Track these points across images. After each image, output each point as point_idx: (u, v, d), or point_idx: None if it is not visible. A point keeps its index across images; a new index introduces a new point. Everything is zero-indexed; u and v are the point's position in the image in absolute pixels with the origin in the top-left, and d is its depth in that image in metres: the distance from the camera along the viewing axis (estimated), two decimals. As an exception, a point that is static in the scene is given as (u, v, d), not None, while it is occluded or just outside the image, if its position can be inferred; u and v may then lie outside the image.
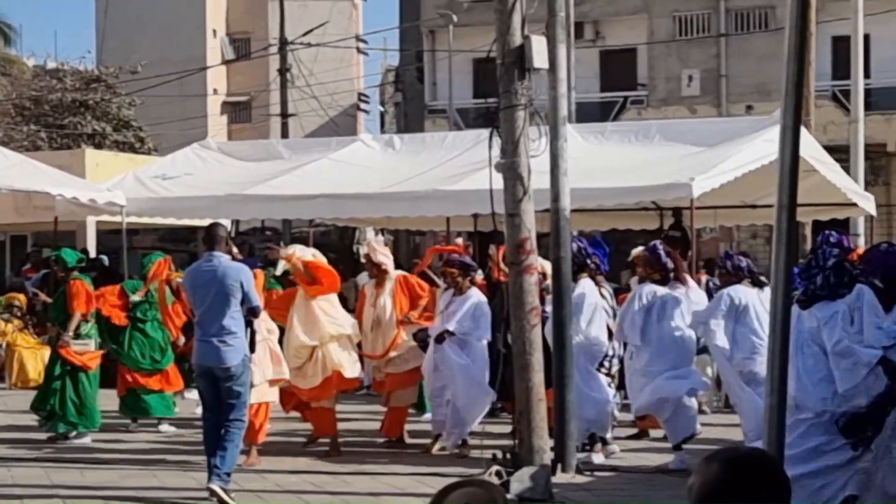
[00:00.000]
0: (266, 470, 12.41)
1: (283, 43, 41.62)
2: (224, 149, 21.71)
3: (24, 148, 35.48)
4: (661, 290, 12.43)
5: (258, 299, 11.63)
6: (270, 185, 18.88)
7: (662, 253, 12.70)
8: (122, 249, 20.28)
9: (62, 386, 14.46)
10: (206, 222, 27.21)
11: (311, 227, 26.60)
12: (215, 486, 10.75)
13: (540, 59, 11.11)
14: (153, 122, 45.05)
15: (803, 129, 19.61)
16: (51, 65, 51.22)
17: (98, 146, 38.79)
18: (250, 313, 11.32)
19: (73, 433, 14.55)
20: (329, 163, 19.60)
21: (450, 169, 18.39)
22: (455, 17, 37.13)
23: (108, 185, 19.74)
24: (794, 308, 8.33)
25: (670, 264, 12.67)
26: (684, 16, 37.14)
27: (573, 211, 12.71)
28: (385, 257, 14.06)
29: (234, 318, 11.10)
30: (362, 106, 59.37)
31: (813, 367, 8.61)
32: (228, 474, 10.93)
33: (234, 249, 12.98)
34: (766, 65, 35.51)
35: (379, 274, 13.96)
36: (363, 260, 14.39)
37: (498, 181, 11.47)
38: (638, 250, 13.58)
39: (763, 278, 12.57)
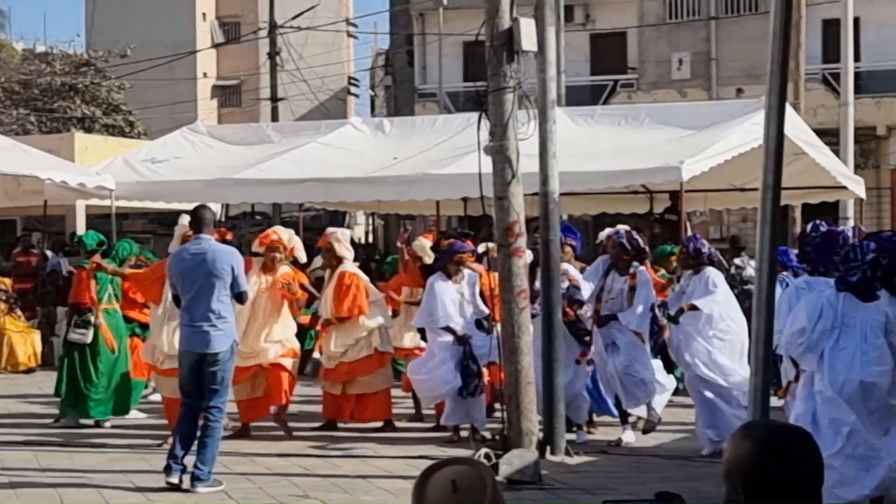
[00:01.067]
0: (255, 453, 12.42)
1: (273, 26, 41.55)
2: (214, 132, 21.70)
3: (14, 132, 35.40)
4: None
5: (246, 285, 11.46)
6: (260, 169, 18.87)
7: (625, 241, 12.83)
8: (111, 233, 20.24)
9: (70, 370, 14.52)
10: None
11: (302, 212, 26.58)
12: (202, 489, 10.51)
13: (528, 41, 11.10)
14: (143, 106, 44.94)
15: (793, 112, 19.66)
16: (40, 48, 51.08)
17: (87, 130, 38.69)
18: (237, 298, 11.12)
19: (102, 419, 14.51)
20: (319, 146, 19.59)
21: (439, 152, 18.39)
22: (445, 1, 37.08)
23: (98, 169, 19.72)
24: (839, 295, 8.54)
25: (642, 244, 12.80)
26: (674, -1, 37.12)
27: (562, 194, 12.71)
28: (348, 251, 13.94)
29: (223, 303, 10.89)
30: (352, 90, 59.27)
31: (878, 360, 8.70)
32: (211, 472, 10.70)
33: (229, 236, 12.92)
34: (757, 48, 35.46)
35: (335, 265, 13.89)
36: (321, 246, 14.18)
37: (487, 165, 11.46)
38: (606, 232, 13.75)
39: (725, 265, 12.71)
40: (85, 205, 23.80)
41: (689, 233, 15.62)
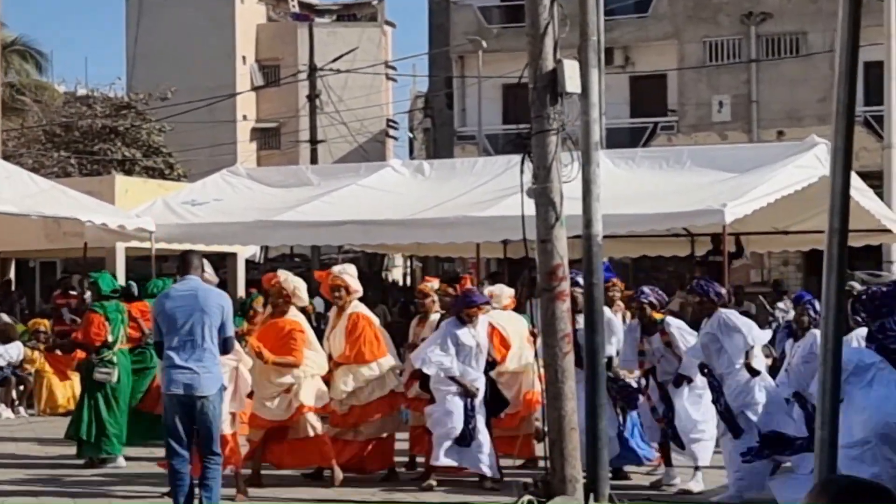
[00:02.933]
0: (290, 498, 12.28)
1: (313, 69, 41.71)
2: (253, 175, 21.71)
3: (55, 174, 35.62)
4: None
5: (233, 330, 10.93)
6: (299, 212, 18.83)
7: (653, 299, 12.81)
8: (151, 276, 20.23)
9: (90, 411, 14.59)
10: (235, 249, 27.23)
11: (340, 254, 26.54)
12: None
13: (572, 83, 10.99)
14: (183, 149, 45.19)
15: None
16: (81, 91, 51.52)
17: (128, 172, 38.89)
18: (222, 346, 10.63)
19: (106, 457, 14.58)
20: (358, 189, 19.54)
21: (479, 195, 18.31)
22: (484, 43, 37.12)
23: (138, 212, 19.73)
24: None
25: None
26: (714, 41, 37.04)
27: (603, 237, 12.59)
28: (358, 285, 13.54)
29: (212, 344, 10.49)
30: (391, 132, 59.45)
31: None
32: None
33: (209, 271, 12.35)
34: (797, 90, 35.40)
35: (346, 301, 13.40)
36: (330, 284, 13.59)
37: (528, 207, 11.34)
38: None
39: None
40: (125, 247, 23.84)
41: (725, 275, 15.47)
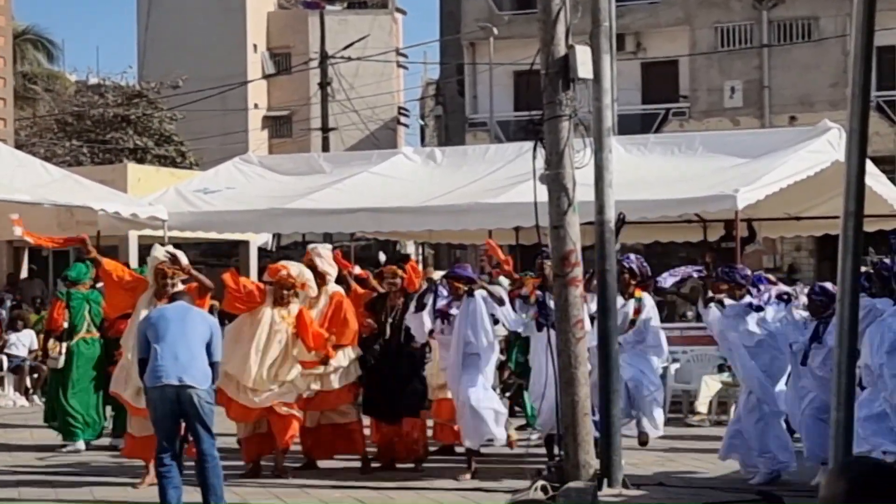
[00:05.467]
0: (308, 485, 12.32)
1: (324, 57, 41.68)
2: (265, 163, 21.75)
3: (67, 163, 35.65)
4: None
5: (220, 356, 10.57)
6: (311, 199, 18.85)
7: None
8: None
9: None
10: (248, 236, 27.24)
11: (353, 241, 26.55)
12: None
13: (584, 69, 11.00)
14: (194, 137, 45.20)
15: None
16: (93, 80, 51.56)
17: (140, 161, 38.92)
18: (210, 368, 10.28)
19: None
20: (370, 176, 19.55)
21: (491, 182, 18.32)
22: (495, 30, 37.08)
23: (150, 200, 19.77)
24: None
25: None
26: (726, 27, 36.95)
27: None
28: (330, 268, 13.21)
29: (201, 350, 10.16)
30: (402, 120, 59.38)
31: None
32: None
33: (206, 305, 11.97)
34: (809, 75, 35.32)
35: (320, 284, 13.06)
36: (305, 262, 13.25)
37: (541, 193, 11.35)
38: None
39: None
40: (137, 235, 23.88)
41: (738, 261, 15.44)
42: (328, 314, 12.91)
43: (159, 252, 12.12)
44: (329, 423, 13.19)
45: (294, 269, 12.80)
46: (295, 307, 12.66)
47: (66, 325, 14.84)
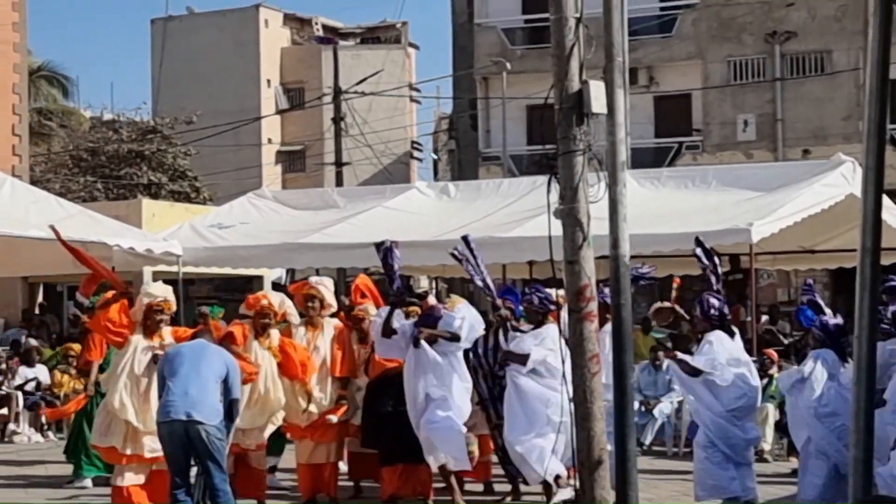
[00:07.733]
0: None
1: (337, 92, 41.79)
2: (279, 198, 21.79)
3: (81, 199, 35.75)
4: None
5: (240, 393, 10.68)
6: (325, 234, 18.88)
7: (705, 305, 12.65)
8: (178, 299, 20.27)
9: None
10: (262, 271, 27.30)
11: (367, 276, 26.49)
12: None
13: (598, 104, 11.00)
14: (208, 172, 45.33)
15: (861, 172, 19.34)
16: (107, 116, 51.79)
17: (154, 196, 39.01)
18: (227, 409, 10.37)
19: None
20: (384, 211, 19.58)
21: (505, 216, 18.32)
22: (508, 65, 37.15)
23: (165, 235, 19.81)
24: None
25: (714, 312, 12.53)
26: (739, 60, 36.96)
27: (630, 257, 12.56)
28: (334, 300, 13.24)
29: (215, 386, 10.24)
30: (416, 154, 59.52)
31: None
32: None
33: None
34: (822, 109, 35.29)
35: (321, 315, 13.08)
36: (306, 293, 13.11)
37: (554, 228, 11.34)
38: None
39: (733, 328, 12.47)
40: (152, 271, 23.90)
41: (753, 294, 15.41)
42: (338, 343, 12.97)
43: (156, 289, 12.13)
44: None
45: (276, 299, 12.67)
46: (275, 336, 12.50)
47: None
